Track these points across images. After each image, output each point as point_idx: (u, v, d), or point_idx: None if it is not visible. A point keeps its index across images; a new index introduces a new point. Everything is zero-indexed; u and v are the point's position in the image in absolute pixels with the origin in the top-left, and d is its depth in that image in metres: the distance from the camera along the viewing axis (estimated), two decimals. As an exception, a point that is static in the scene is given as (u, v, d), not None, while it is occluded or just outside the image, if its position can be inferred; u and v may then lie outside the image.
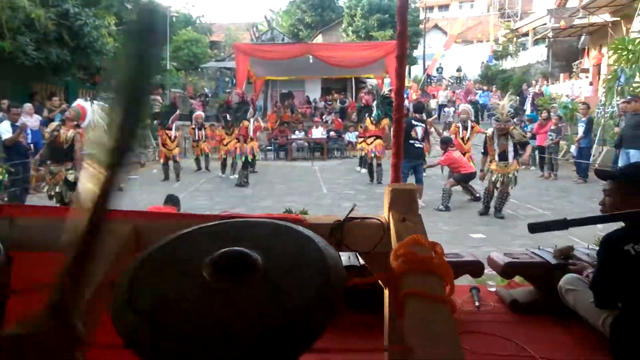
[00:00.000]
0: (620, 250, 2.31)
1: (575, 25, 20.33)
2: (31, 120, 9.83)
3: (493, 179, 7.52)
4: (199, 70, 23.88)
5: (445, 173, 9.65)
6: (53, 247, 1.13)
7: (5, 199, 7.94)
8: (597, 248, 2.55)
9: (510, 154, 7.38)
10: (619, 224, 2.50)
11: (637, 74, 10.48)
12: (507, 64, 26.03)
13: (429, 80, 24.22)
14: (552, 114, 12.11)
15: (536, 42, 25.04)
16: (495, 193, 7.57)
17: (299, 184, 11.02)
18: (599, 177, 3.46)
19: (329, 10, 31.07)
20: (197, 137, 12.75)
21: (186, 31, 23.67)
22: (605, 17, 17.90)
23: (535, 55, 24.47)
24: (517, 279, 3.30)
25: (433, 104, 19.88)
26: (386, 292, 1.18)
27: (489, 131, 7.86)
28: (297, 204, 7.08)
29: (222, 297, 0.81)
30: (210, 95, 21.97)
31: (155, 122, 13.56)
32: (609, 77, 11.72)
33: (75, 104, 7.52)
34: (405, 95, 15.79)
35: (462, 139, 9.21)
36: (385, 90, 12.54)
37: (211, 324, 0.76)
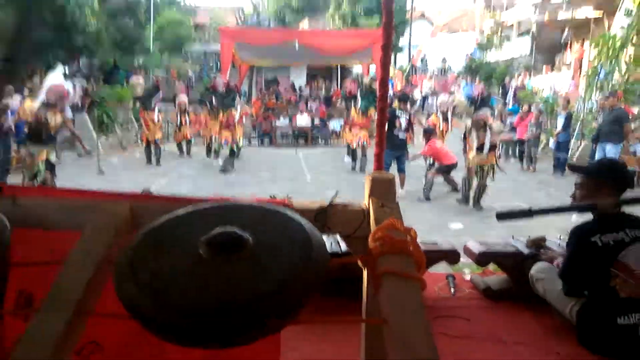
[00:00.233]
0: (588, 242, 2.44)
1: (559, 19, 20.53)
2: (12, 101, 9.68)
3: (471, 165, 7.61)
4: (183, 52, 23.58)
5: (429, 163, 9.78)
6: (53, 225, 1.19)
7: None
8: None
9: (486, 147, 7.45)
10: (589, 216, 2.63)
11: (617, 69, 10.71)
12: (491, 56, 26.21)
13: (414, 71, 24.32)
14: (533, 107, 12.30)
15: (520, 35, 25.24)
16: (474, 184, 7.69)
17: (283, 171, 11.05)
18: (571, 170, 3.61)
19: (316, -6, 30.81)
20: (180, 122, 12.62)
21: (170, 12, 23.29)
22: (588, 11, 18.13)
23: (519, 48, 24.68)
24: (492, 267, 3.43)
25: (417, 94, 20.00)
26: (365, 271, 1.27)
27: (468, 123, 7.95)
28: (281, 191, 7.12)
29: (217, 271, 0.90)
30: (194, 79, 21.75)
31: (137, 104, 13.44)
32: (590, 72, 11.94)
33: (49, 83, 7.41)
34: (390, 85, 15.87)
35: (442, 131, 9.35)
36: (367, 80, 12.56)
37: (207, 294, 0.86)
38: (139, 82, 16.77)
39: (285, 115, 17.01)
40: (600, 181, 2.54)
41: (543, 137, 12.48)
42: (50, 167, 7.09)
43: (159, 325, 0.85)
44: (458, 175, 8.58)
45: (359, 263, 1.17)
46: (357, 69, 20.02)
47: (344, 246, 2.71)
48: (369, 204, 1.33)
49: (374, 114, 10.34)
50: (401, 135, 8.69)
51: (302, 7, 30.45)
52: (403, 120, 8.79)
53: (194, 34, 25.19)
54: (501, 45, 25.85)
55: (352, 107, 10.97)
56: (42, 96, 7.16)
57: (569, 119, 11.35)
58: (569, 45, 21.10)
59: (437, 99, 12.34)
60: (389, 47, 1.84)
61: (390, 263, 1.01)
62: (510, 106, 16.27)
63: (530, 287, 2.77)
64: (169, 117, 13.76)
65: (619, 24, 11.76)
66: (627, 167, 4.76)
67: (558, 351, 2.42)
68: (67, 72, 12.59)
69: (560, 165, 10.87)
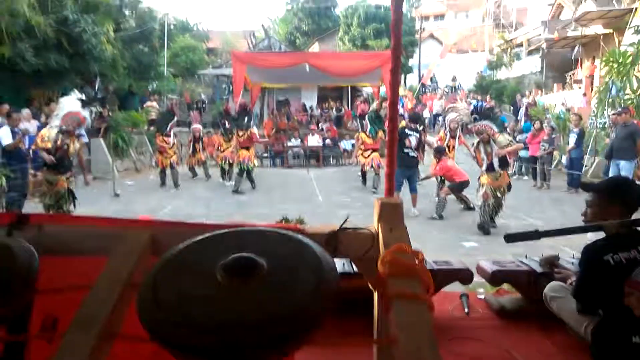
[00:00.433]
0: (600, 260, 2.43)
1: (568, 37, 20.60)
2: (29, 126, 9.94)
3: (486, 191, 7.31)
4: (196, 77, 24.01)
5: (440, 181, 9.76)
6: (78, 252, 1.25)
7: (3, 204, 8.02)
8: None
9: (496, 163, 7.27)
10: (601, 234, 2.63)
11: (628, 86, 10.68)
12: (502, 74, 26.27)
13: (423, 90, 24.45)
14: (545, 124, 12.28)
15: (530, 53, 25.32)
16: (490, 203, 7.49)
17: (295, 191, 11.12)
18: (582, 189, 3.61)
19: (326, 18, 31.33)
20: (194, 149, 12.82)
21: (183, 38, 23.81)
22: (597, 29, 18.17)
23: (529, 65, 24.73)
24: (506, 286, 3.41)
25: (426, 113, 20.07)
26: (375, 293, 1.31)
27: (475, 141, 7.71)
28: (293, 211, 7.17)
29: (233, 295, 0.95)
30: (206, 101, 22.09)
31: (152, 128, 13.68)
32: (601, 88, 11.92)
33: (64, 109, 7.54)
34: (400, 104, 15.90)
35: (448, 147, 9.34)
36: (374, 105, 12.66)
37: (224, 316, 0.91)
38: (153, 106, 17.13)
39: (296, 136, 17.16)
40: (611, 200, 2.54)
41: (556, 154, 12.42)
42: (72, 195, 7.22)
43: (179, 346, 0.89)
44: (471, 193, 8.54)
45: (370, 285, 1.21)
46: (367, 89, 20.17)
47: (355, 267, 2.73)
48: (378, 228, 1.37)
49: (383, 135, 10.41)
50: (412, 153, 8.72)
51: (313, 30, 30.97)
52: (413, 139, 8.83)
53: (207, 58, 25.68)
54: (511, 64, 25.91)
55: (362, 132, 11.12)
56: (57, 121, 7.31)
57: (581, 135, 11.30)
58: (579, 63, 21.11)
59: (445, 117, 12.37)
60: (397, 70, 1.88)
61: (399, 285, 1.05)
62: (522, 123, 16.21)
63: (544, 306, 2.75)
64: (185, 140, 14.00)
65: (628, 41, 11.77)
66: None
67: (573, 370, 2.40)
68: (84, 97, 12.86)
69: (573, 182, 10.79)
